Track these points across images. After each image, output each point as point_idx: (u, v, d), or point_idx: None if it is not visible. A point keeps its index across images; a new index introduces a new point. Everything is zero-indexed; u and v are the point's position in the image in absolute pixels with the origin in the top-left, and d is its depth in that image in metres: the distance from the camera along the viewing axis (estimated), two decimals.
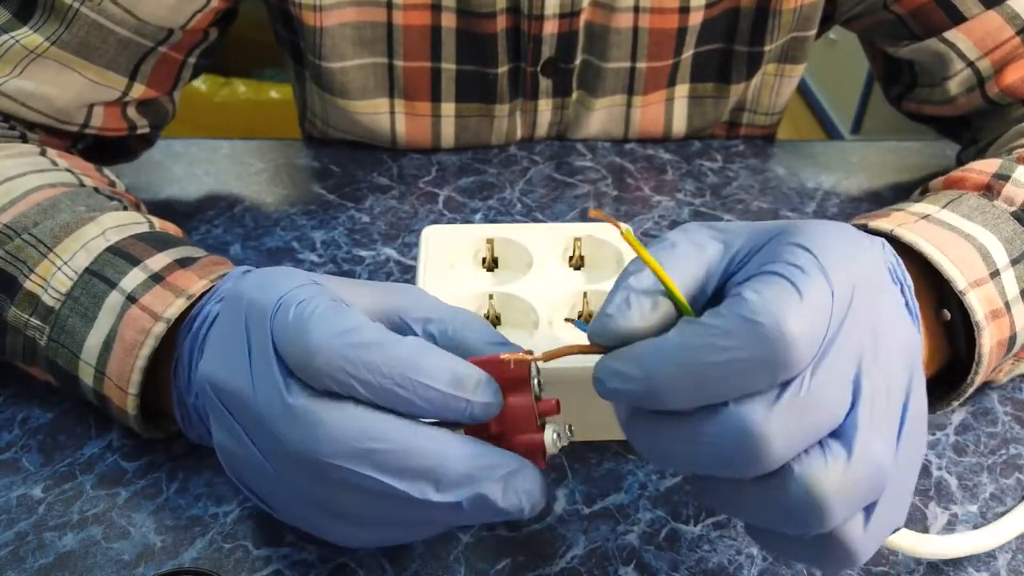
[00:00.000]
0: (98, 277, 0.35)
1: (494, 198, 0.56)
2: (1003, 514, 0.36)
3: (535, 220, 0.54)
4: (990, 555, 0.35)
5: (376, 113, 0.57)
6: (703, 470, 0.25)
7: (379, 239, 0.52)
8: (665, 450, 0.26)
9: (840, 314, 0.24)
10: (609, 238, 0.42)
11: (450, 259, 0.41)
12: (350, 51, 0.54)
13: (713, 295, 0.27)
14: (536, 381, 0.29)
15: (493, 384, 0.27)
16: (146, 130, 0.52)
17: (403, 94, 0.56)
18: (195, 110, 1.39)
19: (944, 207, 0.39)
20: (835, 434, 0.24)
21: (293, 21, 0.54)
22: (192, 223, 0.52)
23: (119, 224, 0.38)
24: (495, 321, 0.39)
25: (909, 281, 0.33)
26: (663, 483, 0.37)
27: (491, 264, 0.42)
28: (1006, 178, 0.39)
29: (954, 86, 0.52)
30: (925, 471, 0.38)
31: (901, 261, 0.33)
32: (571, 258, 0.42)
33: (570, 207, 0.55)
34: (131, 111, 0.50)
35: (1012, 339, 0.37)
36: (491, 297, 0.39)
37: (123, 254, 0.36)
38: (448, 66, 0.55)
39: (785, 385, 0.23)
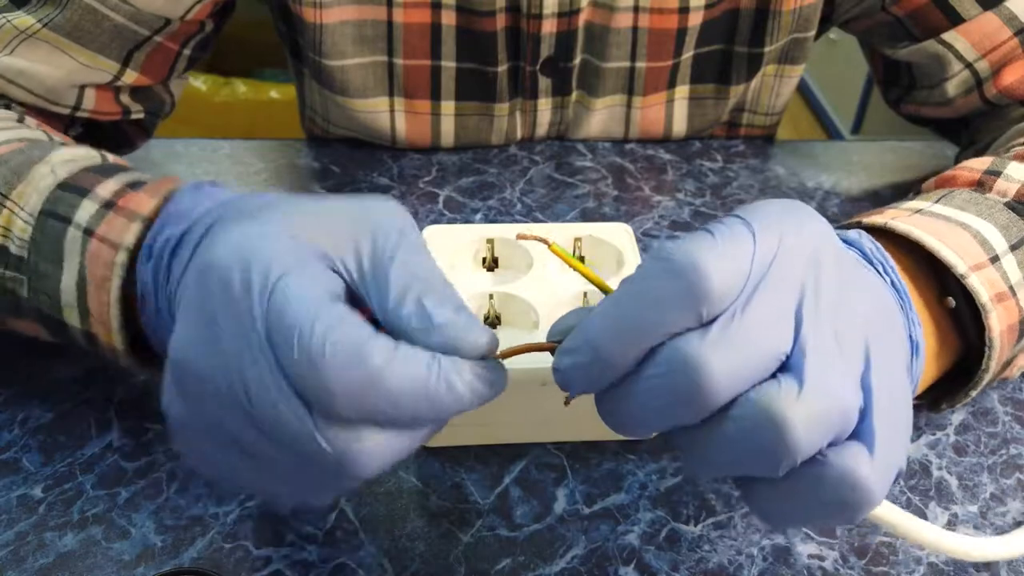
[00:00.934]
0: (53, 217, 0.34)
1: (494, 198, 0.56)
2: (1003, 516, 0.36)
3: (535, 220, 0.54)
4: None
5: (376, 111, 0.57)
6: (662, 420, 0.25)
7: None
8: (627, 413, 0.26)
9: (766, 257, 0.25)
10: (609, 238, 0.42)
11: (450, 259, 0.41)
12: (350, 49, 0.54)
13: None
14: None
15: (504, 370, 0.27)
16: (141, 115, 0.51)
17: (403, 92, 0.56)
18: (195, 110, 1.40)
19: (936, 202, 0.39)
20: (784, 369, 0.24)
21: (293, 18, 0.54)
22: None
23: (68, 159, 0.37)
24: (495, 321, 0.39)
25: (891, 262, 0.33)
26: (663, 483, 0.37)
27: (491, 264, 0.42)
28: (998, 174, 0.39)
29: (952, 87, 0.52)
30: (925, 471, 0.38)
31: (880, 246, 0.33)
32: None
33: (570, 207, 0.55)
34: (124, 97, 0.50)
35: (1022, 323, 0.36)
36: (491, 297, 0.39)
37: (72, 188, 0.35)
38: (448, 64, 0.55)
39: (717, 319, 0.24)
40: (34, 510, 0.35)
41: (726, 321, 0.24)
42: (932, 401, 0.39)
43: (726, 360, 0.24)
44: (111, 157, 0.38)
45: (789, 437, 0.23)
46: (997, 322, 0.35)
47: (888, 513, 0.30)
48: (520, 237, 0.26)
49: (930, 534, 0.31)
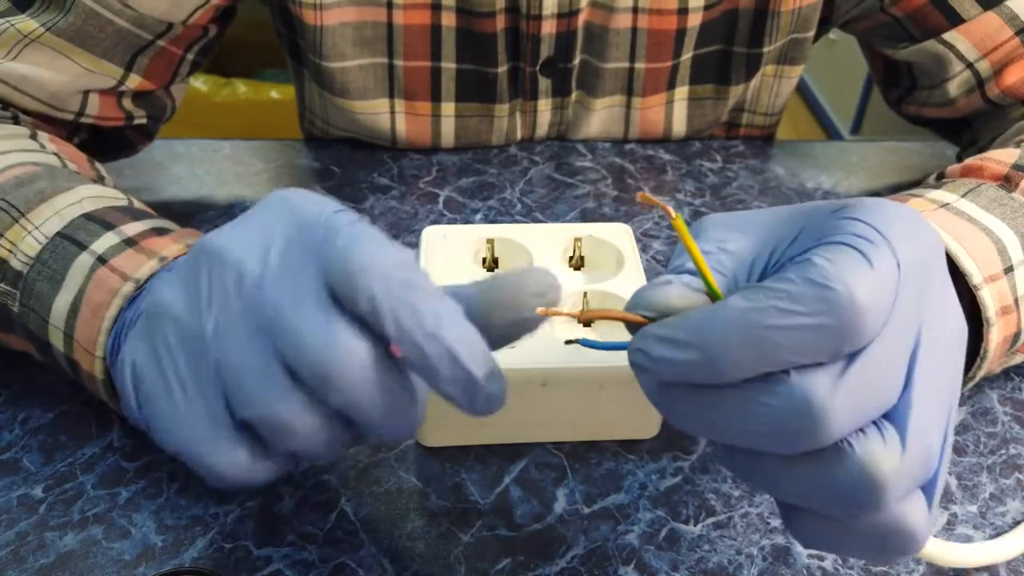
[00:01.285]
0: (69, 240, 0.34)
1: (494, 198, 0.56)
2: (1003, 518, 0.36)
3: (535, 220, 0.54)
4: None
5: (376, 113, 0.57)
6: (751, 443, 0.24)
7: None
8: (710, 421, 0.24)
9: (904, 289, 0.23)
10: (609, 238, 0.42)
11: (450, 259, 0.41)
12: (350, 51, 0.54)
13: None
14: None
15: (502, 378, 0.26)
16: (143, 121, 0.52)
17: (403, 94, 0.56)
18: (196, 111, 1.40)
19: (963, 196, 0.38)
20: (887, 415, 0.23)
21: (293, 20, 0.54)
22: (193, 223, 0.52)
23: (97, 195, 0.37)
24: None
25: None
26: (663, 483, 0.37)
27: (491, 264, 0.42)
28: None
29: (954, 88, 0.52)
30: None
31: None
32: (571, 258, 0.42)
33: (570, 207, 0.55)
34: (127, 102, 0.50)
35: (1016, 335, 0.37)
36: None
37: (98, 220, 0.35)
38: (448, 65, 0.55)
39: (850, 358, 0.22)
40: (34, 510, 0.35)
41: (859, 367, 0.22)
42: None
43: (848, 405, 0.22)
44: (136, 203, 0.39)
45: (885, 498, 0.23)
46: (996, 335, 0.35)
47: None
48: (641, 197, 0.24)
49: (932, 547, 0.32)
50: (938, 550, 0.32)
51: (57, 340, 0.34)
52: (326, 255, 0.25)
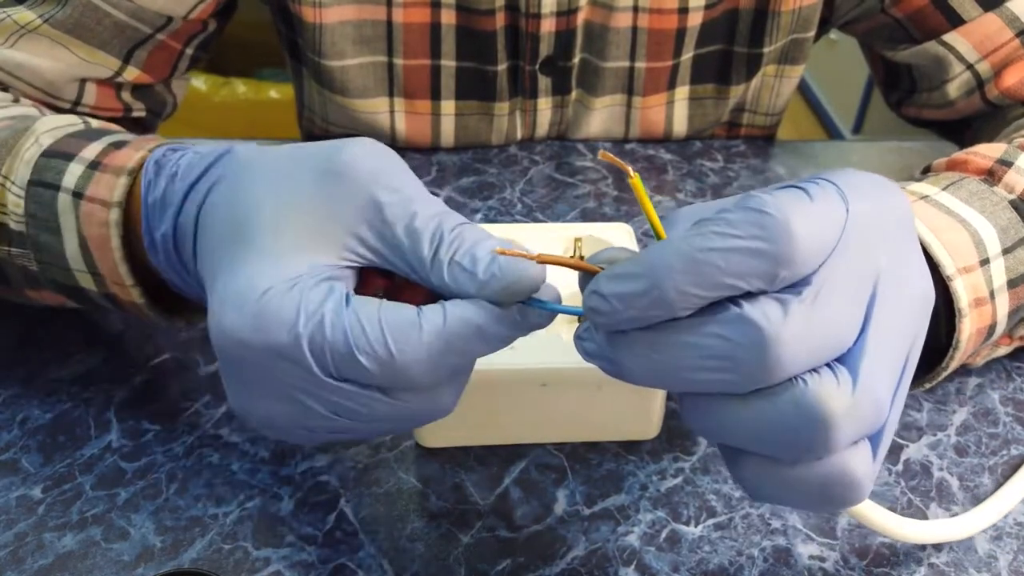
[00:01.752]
0: (41, 185, 0.34)
1: (494, 198, 0.55)
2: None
3: (535, 220, 0.54)
4: (991, 556, 0.35)
5: (376, 112, 0.57)
6: (702, 378, 0.24)
7: None
8: (664, 364, 0.24)
9: (855, 233, 0.23)
10: (609, 238, 0.42)
11: None
12: (350, 49, 0.54)
13: None
14: None
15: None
16: (142, 114, 0.51)
17: (403, 92, 0.56)
18: (195, 110, 1.39)
19: (944, 189, 0.39)
20: (840, 359, 0.24)
21: (292, 18, 0.54)
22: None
23: (52, 127, 0.37)
24: None
25: None
26: (663, 484, 0.37)
27: None
28: (1009, 164, 0.39)
29: (953, 89, 0.51)
30: (926, 471, 0.38)
31: None
32: (572, 258, 0.42)
33: (571, 207, 0.55)
34: (126, 94, 0.50)
35: (992, 327, 0.37)
36: None
37: (57, 154, 0.35)
38: (448, 63, 0.55)
39: (797, 291, 0.23)
40: (33, 511, 0.35)
41: (807, 300, 0.23)
42: None
43: (798, 343, 0.22)
44: (95, 123, 0.38)
45: (833, 437, 0.23)
46: (969, 325, 0.35)
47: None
48: (603, 156, 0.25)
49: (889, 521, 0.32)
50: (870, 511, 0.31)
51: (87, 282, 0.35)
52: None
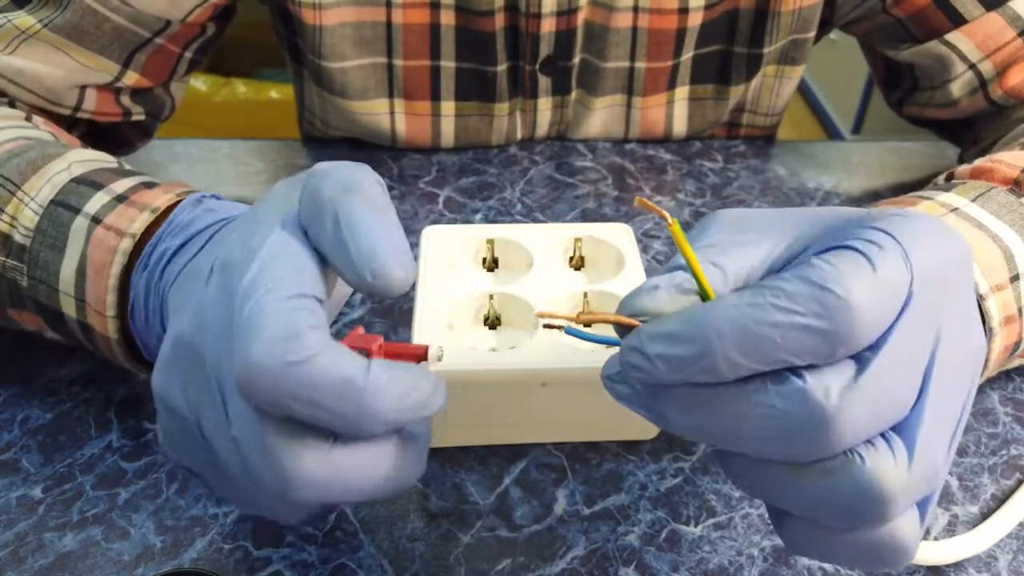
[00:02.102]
0: (63, 206, 0.34)
1: (494, 198, 0.55)
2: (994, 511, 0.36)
3: (535, 220, 0.54)
4: (991, 556, 0.35)
5: (376, 113, 0.57)
6: (752, 447, 0.23)
7: None
8: (710, 423, 0.23)
9: (918, 295, 0.23)
10: (609, 238, 0.42)
11: (450, 259, 0.41)
12: (350, 51, 0.54)
13: None
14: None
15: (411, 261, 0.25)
16: (141, 118, 0.51)
17: (403, 93, 0.56)
18: (195, 110, 1.40)
19: (973, 200, 0.38)
20: (896, 427, 0.23)
21: (292, 20, 0.54)
22: None
23: (85, 159, 0.37)
24: (495, 321, 0.39)
25: None
26: (663, 484, 0.37)
27: (491, 264, 0.42)
28: None
29: (956, 89, 0.51)
30: None
31: None
32: (571, 258, 0.42)
33: (571, 207, 0.55)
34: (125, 98, 0.50)
35: (1017, 344, 0.36)
36: (491, 297, 0.39)
37: (87, 182, 0.35)
38: (447, 64, 0.55)
39: (859, 362, 0.22)
40: (34, 510, 0.35)
41: (869, 374, 0.22)
42: None
43: (857, 415, 0.22)
44: (127, 165, 0.39)
45: (889, 511, 0.23)
46: (998, 344, 0.35)
47: None
48: (640, 203, 0.24)
49: None
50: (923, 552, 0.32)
51: (69, 307, 0.34)
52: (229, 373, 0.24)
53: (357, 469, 0.24)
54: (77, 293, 0.34)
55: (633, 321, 0.25)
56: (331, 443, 0.23)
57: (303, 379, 0.22)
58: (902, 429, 0.23)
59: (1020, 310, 0.36)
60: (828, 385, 0.22)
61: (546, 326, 0.28)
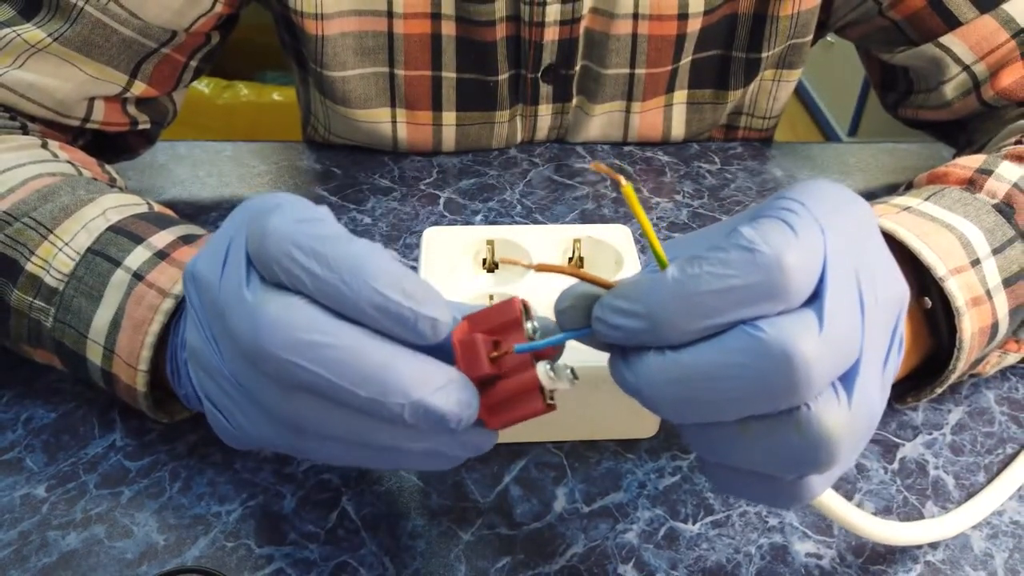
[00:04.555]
0: (101, 256, 0.35)
1: (494, 200, 0.56)
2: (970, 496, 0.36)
3: (535, 222, 0.54)
4: (987, 554, 0.35)
5: (377, 121, 0.58)
6: (723, 402, 0.24)
7: (380, 240, 0.52)
8: (681, 394, 0.24)
9: (834, 254, 0.24)
10: (609, 239, 0.42)
11: (451, 261, 0.41)
12: (351, 60, 0.55)
13: None
14: (531, 325, 0.27)
15: (442, 301, 0.25)
16: (147, 126, 0.52)
17: (404, 103, 0.57)
18: (198, 112, 1.40)
19: (926, 199, 0.39)
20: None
21: (296, 29, 0.55)
22: (196, 224, 0.53)
23: (119, 204, 0.38)
24: None
25: None
26: (662, 482, 0.38)
27: (491, 266, 0.42)
28: (989, 172, 0.40)
29: (950, 90, 0.52)
30: (922, 470, 0.39)
31: None
32: (571, 259, 0.42)
33: (570, 209, 0.55)
34: (132, 108, 0.50)
35: (994, 327, 0.37)
36: (491, 298, 0.39)
37: (125, 232, 0.36)
38: (448, 74, 0.56)
39: (815, 312, 0.23)
40: (37, 509, 0.35)
41: (823, 316, 0.23)
42: (898, 395, 0.41)
43: (821, 360, 0.23)
44: (156, 206, 0.40)
45: (835, 456, 0.24)
46: (969, 325, 0.36)
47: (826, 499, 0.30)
48: (594, 167, 0.25)
49: (853, 516, 0.31)
50: (835, 503, 0.31)
51: (95, 355, 0.35)
52: (248, 240, 0.26)
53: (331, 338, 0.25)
54: (107, 343, 0.35)
55: (602, 280, 0.26)
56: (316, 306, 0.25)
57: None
58: (844, 375, 0.24)
59: (988, 292, 0.36)
60: (791, 330, 0.23)
61: (594, 166, 0.27)
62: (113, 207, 0.38)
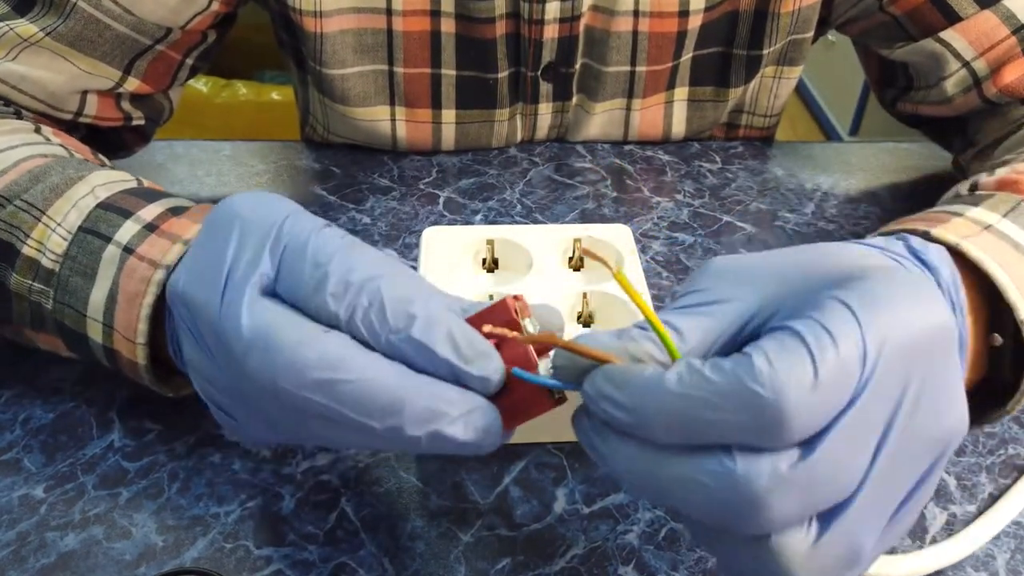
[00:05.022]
0: (92, 233, 0.35)
1: (494, 199, 0.56)
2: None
3: (535, 221, 0.54)
4: (989, 555, 0.35)
5: (377, 120, 0.57)
6: (682, 507, 0.24)
7: (380, 240, 0.52)
8: (650, 483, 0.24)
9: (875, 372, 0.22)
10: (609, 239, 0.42)
11: (450, 260, 0.41)
12: (351, 58, 0.54)
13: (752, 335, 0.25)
14: (531, 325, 0.27)
15: (495, 357, 0.26)
16: (141, 122, 0.52)
17: (404, 101, 0.57)
18: (196, 112, 1.40)
19: (1005, 216, 0.36)
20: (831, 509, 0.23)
21: (294, 27, 0.54)
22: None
23: (107, 181, 0.38)
24: None
25: (963, 303, 0.30)
26: None
27: (491, 265, 0.42)
28: None
29: (951, 86, 0.52)
30: None
31: (960, 283, 0.30)
32: (571, 259, 0.42)
33: (570, 208, 0.55)
34: (126, 103, 0.50)
35: None
36: (491, 298, 0.39)
37: (114, 208, 0.36)
38: (448, 72, 0.56)
39: (801, 448, 0.22)
40: (35, 510, 0.35)
41: (809, 464, 0.22)
42: None
43: (787, 502, 0.22)
44: (146, 182, 0.40)
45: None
46: None
47: None
48: (584, 252, 0.26)
49: None
50: None
51: (95, 332, 0.35)
52: (289, 271, 0.27)
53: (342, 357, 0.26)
54: (105, 319, 0.35)
55: (605, 356, 0.25)
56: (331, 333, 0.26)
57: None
58: (832, 512, 0.23)
59: None
60: (761, 470, 0.22)
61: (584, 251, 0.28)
62: (102, 184, 0.37)
